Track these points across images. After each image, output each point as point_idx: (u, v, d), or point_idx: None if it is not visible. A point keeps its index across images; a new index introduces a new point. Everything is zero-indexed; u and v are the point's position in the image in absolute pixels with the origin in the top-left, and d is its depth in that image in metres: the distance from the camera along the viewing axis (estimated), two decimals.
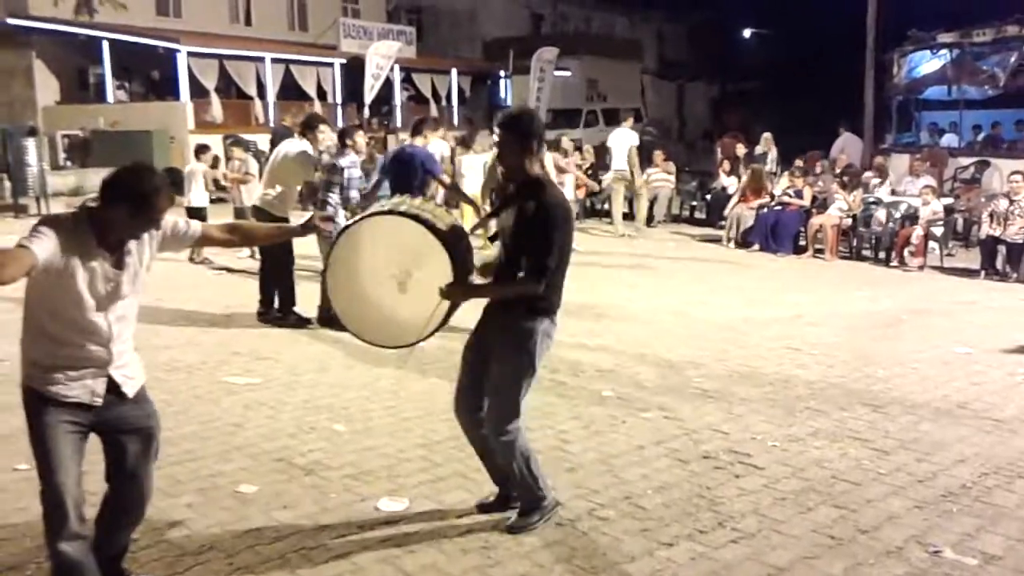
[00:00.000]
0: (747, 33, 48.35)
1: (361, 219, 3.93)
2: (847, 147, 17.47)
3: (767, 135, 16.99)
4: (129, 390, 3.26)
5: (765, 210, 13.21)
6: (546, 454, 4.96)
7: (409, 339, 3.96)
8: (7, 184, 17.12)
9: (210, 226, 3.62)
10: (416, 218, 3.77)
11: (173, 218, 3.37)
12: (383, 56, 22.70)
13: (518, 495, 4.08)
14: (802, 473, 4.70)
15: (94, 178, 19.90)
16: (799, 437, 5.25)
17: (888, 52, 19.02)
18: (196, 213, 11.27)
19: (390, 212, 3.90)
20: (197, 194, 11.57)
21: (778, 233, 12.81)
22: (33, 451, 3.18)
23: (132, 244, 3.20)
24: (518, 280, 3.82)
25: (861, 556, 3.80)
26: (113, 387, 3.20)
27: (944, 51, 17.12)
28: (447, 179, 10.03)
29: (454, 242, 3.79)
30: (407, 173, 8.12)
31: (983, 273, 10.98)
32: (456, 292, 3.77)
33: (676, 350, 7.26)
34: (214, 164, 12.65)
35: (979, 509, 4.27)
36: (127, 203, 3.08)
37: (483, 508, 4.20)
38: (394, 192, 7.37)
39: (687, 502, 4.34)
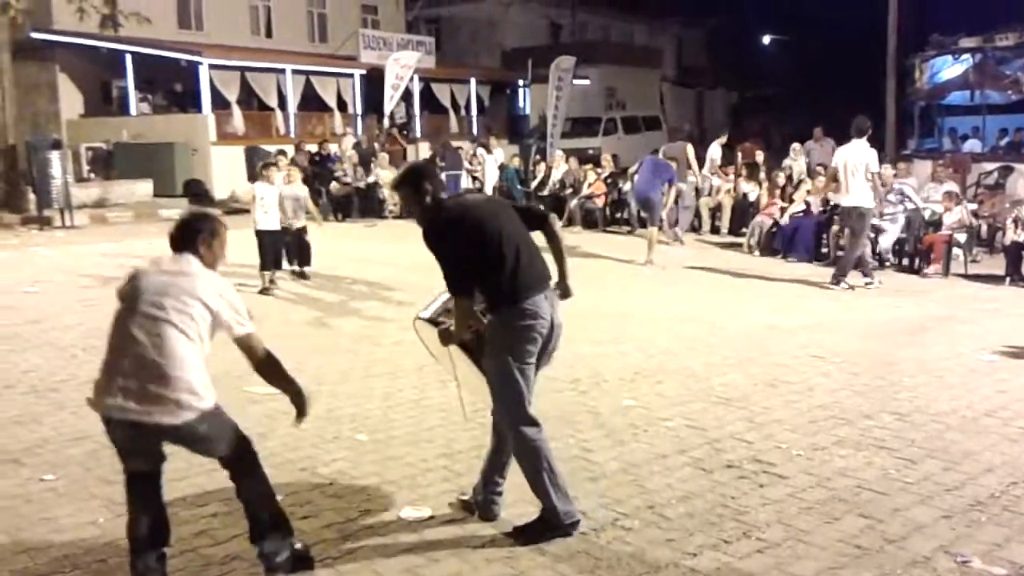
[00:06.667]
0: (766, 39, 48.28)
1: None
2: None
3: (796, 146, 16.95)
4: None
5: (786, 217, 13.15)
6: (569, 463, 4.95)
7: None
8: (32, 196, 17.35)
9: (254, 341, 3.63)
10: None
11: (229, 306, 3.55)
12: (403, 66, 22.83)
13: (539, 500, 4.07)
14: (827, 483, 4.67)
15: (117, 190, 20.18)
16: (823, 446, 5.21)
17: (909, 57, 18.92)
18: (263, 237, 10.26)
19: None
20: (261, 216, 10.27)
21: (800, 240, 12.75)
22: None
23: None
24: (456, 302, 4.02)
25: (888, 566, 3.76)
26: None
27: (966, 56, 17.00)
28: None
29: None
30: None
31: (1008, 279, 10.87)
32: (442, 336, 4.14)
33: (698, 358, 7.23)
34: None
35: (1007, 519, 4.22)
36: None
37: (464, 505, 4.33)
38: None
39: (711, 512, 4.31)
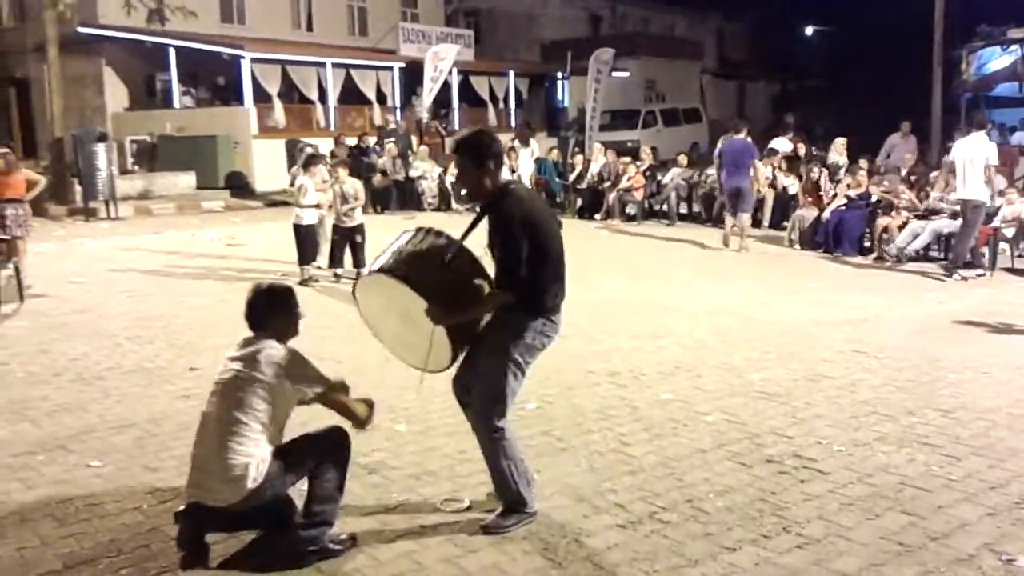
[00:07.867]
0: (809, 31, 47.68)
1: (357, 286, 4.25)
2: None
3: (841, 140, 16.61)
4: None
5: (827, 212, 12.97)
6: (607, 456, 4.95)
7: (417, 361, 4.14)
8: (78, 188, 17.67)
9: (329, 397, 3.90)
10: (385, 271, 3.93)
11: (293, 375, 3.79)
12: (442, 59, 22.88)
13: (500, 495, 4.13)
14: (869, 479, 4.61)
15: (160, 182, 20.46)
16: (865, 442, 5.15)
17: (956, 48, 18.58)
18: (302, 232, 10.21)
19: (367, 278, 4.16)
20: (301, 211, 10.21)
21: (843, 234, 12.56)
22: None
23: None
24: (494, 293, 3.91)
25: (931, 564, 3.71)
26: None
27: (1015, 47, 16.67)
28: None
29: (420, 274, 3.85)
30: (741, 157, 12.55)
31: None
32: (438, 314, 3.79)
33: (738, 353, 7.18)
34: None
35: None
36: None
37: None
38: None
39: (750, 506, 4.28)
